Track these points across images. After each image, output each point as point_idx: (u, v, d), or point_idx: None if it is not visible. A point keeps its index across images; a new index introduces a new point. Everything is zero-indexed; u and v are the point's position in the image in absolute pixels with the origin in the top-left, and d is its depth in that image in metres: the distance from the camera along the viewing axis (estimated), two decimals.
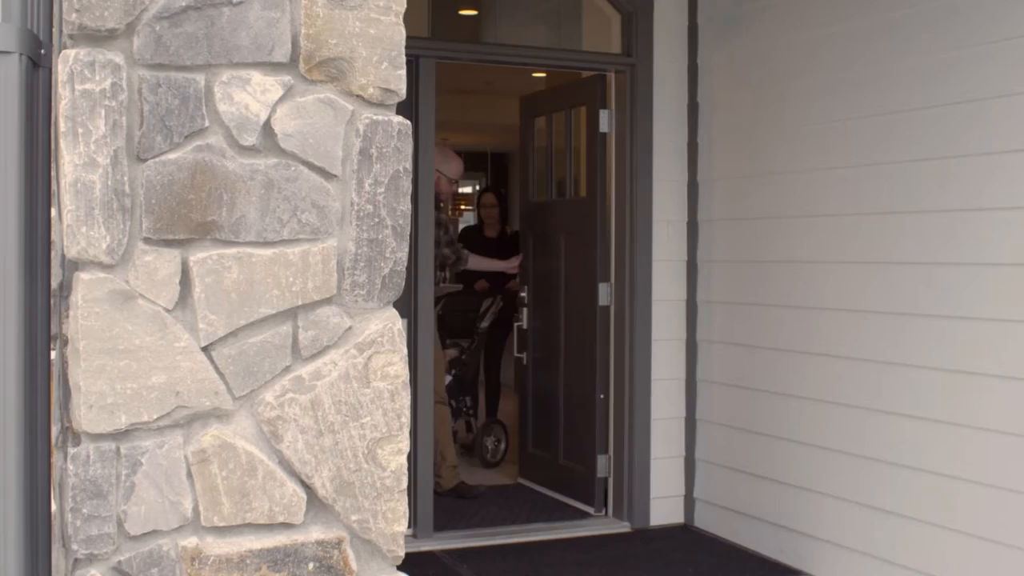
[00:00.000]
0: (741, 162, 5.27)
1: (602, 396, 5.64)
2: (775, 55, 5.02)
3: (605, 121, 5.61)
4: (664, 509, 5.54)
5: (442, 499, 5.59)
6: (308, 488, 2.19)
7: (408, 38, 6.05)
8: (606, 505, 5.66)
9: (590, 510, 5.69)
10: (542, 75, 8.11)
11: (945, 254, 4.12)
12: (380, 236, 2.22)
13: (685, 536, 5.41)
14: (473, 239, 7.40)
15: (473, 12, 7.94)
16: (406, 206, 2.23)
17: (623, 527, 5.51)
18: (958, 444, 4.04)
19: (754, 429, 5.11)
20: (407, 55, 5.47)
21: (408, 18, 6.82)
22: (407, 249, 2.25)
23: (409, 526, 5.18)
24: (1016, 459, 3.81)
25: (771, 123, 5.05)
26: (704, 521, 5.48)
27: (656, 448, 5.52)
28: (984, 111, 3.96)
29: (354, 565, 2.22)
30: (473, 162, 13.18)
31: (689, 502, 5.55)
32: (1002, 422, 3.86)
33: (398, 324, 2.25)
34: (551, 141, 6.24)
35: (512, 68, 6.67)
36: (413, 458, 5.21)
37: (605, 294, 5.64)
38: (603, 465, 5.65)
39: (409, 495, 5.16)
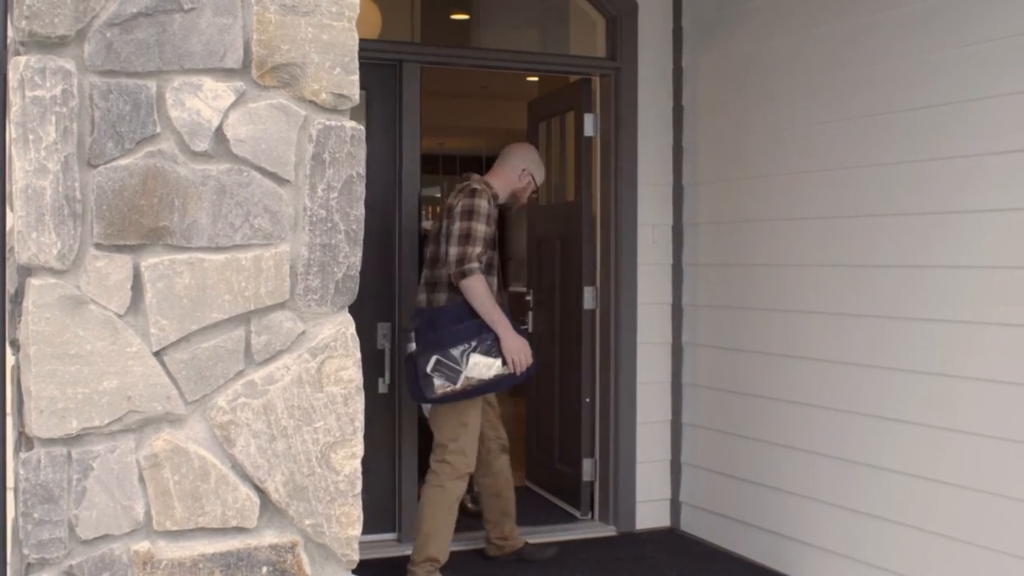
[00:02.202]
0: (726, 165, 5.27)
1: (588, 400, 5.64)
2: (759, 58, 5.03)
3: (590, 125, 5.62)
4: (650, 513, 5.54)
5: None
6: (261, 492, 2.19)
7: (392, 42, 6.08)
8: (592, 509, 5.66)
9: (577, 513, 5.70)
10: (536, 79, 8.13)
11: (924, 257, 4.12)
12: (333, 241, 2.23)
13: (671, 540, 5.41)
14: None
15: (465, 16, 7.97)
16: (359, 211, 2.24)
17: (609, 531, 5.51)
18: (937, 447, 4.04)
19: (739, 433, 5.11)
20: (391, 59, 5.50)
21: (393, 22, 6.79)
22: (360, 254, 2.26)
23: (393, 531, 5.23)
24: (995, 462, 3.80)
25: (755, 126, 5.05)
26: (690, 525, 5.47)
27: (642, 452, 5.52)
28: (961, 114, 3.96)
29: (308, 569, 2.22)
30: (469, 166, 13.19)
31: (675, 506, 5.55)
32: (980, 424, 3.86)
33: (351, 329, 2.26)
34: (549, 145, 6.26)
35: (507, 72, 6.67)
36: (397, 464, 5.22)
37: (591, 298, 5.64)
38: (589, 468, 5.65)
39: (394, 500, 5.21)
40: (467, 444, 4.50)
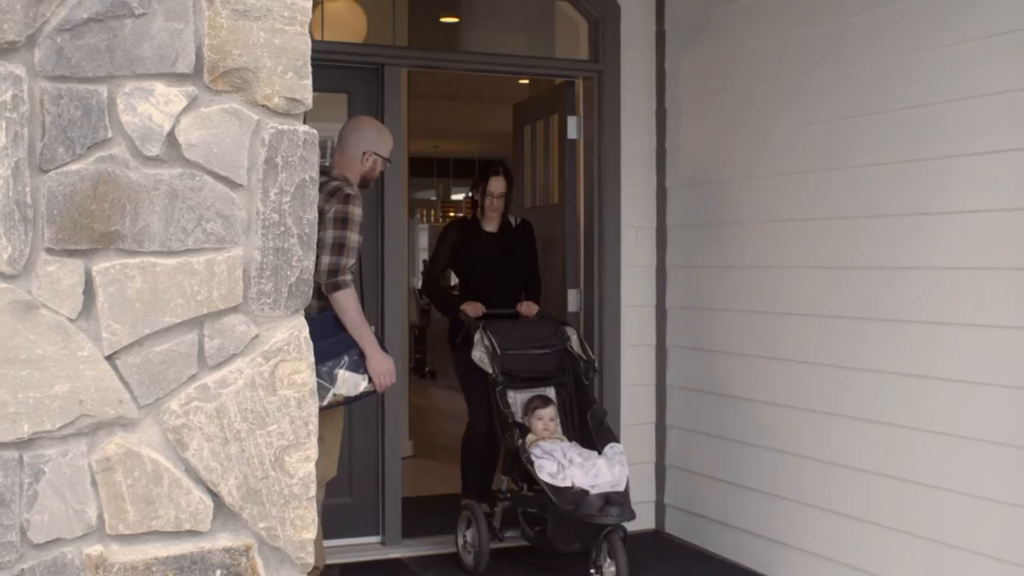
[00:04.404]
0: (709, 167, 5.27)
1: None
2: (741, 60, 5.03)
3: (574, 127, 5.63)
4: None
5: (411, 506, 5.57)
6: (215, 496, 2.20)
7: (373, 46, 6.08)
8: None
9: None
10: (527, 82, 8.15)
11: (901, 258, 4.11)
12: (286, 245, 2.23)
13: (655, 542, 5.40)
14: (467, 238, 5.46)
15: (454, 19, 8.00)
16: (313, 215, 2.25)
17: None
18: (917, 448, 4.03)
19: (723, 435, 5.11)
20: (373, 63, 5.49)
21: (381, 26, 6.77)
22: (313, 257, 2.26)
23: (377, 533, 5.23)
24: (975, 463, 3.80)
25: (737, 128, 5.05)
26: (675, 527, 5.47)
27: (626, 454, 5.48)
28: (937, 115, 3.96)
29: (263, 572, 2.23)
30: (462, 169, 13.20)
31: (660, 508, 5.55)
32: (958, 426, 3.85)
33: (305, 332, 2.26)
34: (534, 148, 6.27)
35: (492, 75, 6.69)
36: (381, 467, 5.23)
37: (575, 300, 5.64)
38: None
39: (377, 502, 5.21)
40: (330, 454, 4.26)
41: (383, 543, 5.21)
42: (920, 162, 4.02)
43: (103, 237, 2.12)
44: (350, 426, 5.21)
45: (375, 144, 4.35)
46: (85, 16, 2.10)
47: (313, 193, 2.25)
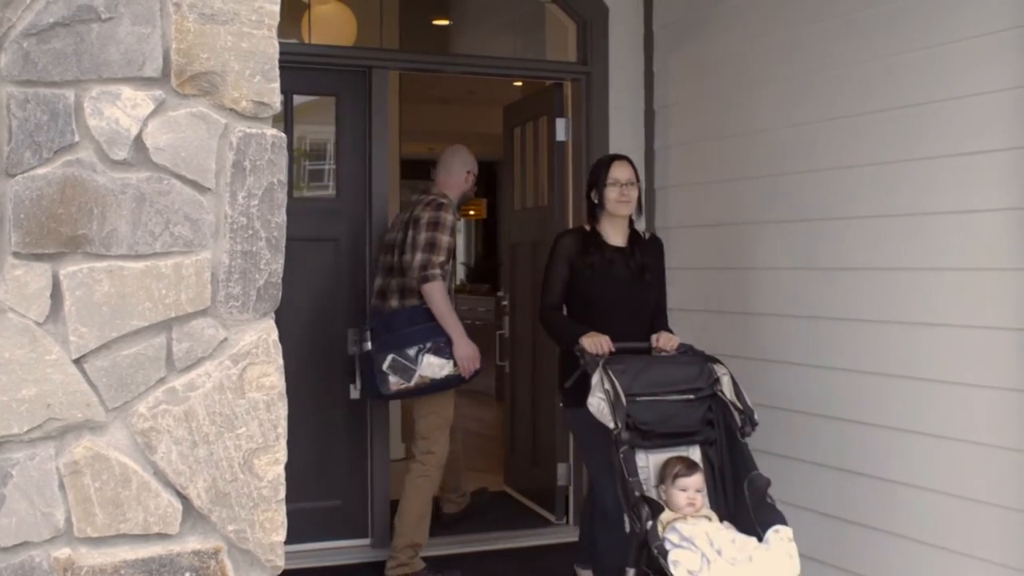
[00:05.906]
0: (698, 169, 5.27)
1: (561, 404, 5.62)
2: (729, 61, 5.03)
3: (562, 129, 5.64)
4: None
5: None
6: (184, 498, 2.20)
7: (361, 48, 6.08)
8: (567, 513, 5.66)
9: (552, 518, 5.70)
10: (520, 84, 8.15)
11: (894, 259, 4.10)
12: (254, 248, 2.23)
13: None
14: (587, 251, 4.25)
15: (445, 22, 8.00)
16: (281, 218, 2.25)
17: None
18: (906, 450, 4.02)
19: None
20: (360, 66, 5.50)
21: (365, 30, 6.76)
22: (282, 261, 2.26)
23: (366, 536, 5.23)
24: (961, 464, 3.79)
25: (726, 129, 5.05)
26: None
27: None
28: (928, 115, 3.94)
29: (232, 575, 2.23)
30: None
31: None
32: (947, 428, 3.85)
33: (274, 335, 2.26)
34: (524, 150, 6.28)
35: (481, 77, 6.70)
36: (370, 469, 5.23)
37: None
38: (563, 473, 5.64)
39: (366, 506, 5.21)
40: (446, 436, 4.85)
41: (372, 545, 5.21)
42: (911, 162, 4.01)
43: (70, 241, 2.12)
44: (339, 429, 5.21)
45: (472, 164, 5.09)
46: (51, 20, 2.10)
47: (281, 196, 2.25)
